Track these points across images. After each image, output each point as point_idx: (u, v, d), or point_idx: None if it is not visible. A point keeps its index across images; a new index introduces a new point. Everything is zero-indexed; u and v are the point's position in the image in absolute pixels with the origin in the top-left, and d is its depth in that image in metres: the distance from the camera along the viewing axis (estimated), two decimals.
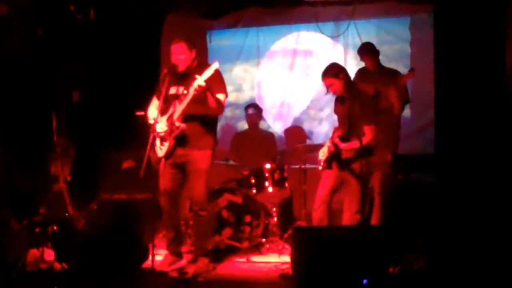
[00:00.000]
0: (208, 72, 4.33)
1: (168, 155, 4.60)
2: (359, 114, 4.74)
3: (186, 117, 4.51)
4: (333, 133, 4.98)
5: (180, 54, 4.59)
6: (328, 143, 4.97)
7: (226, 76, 6.63)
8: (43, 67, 5.72)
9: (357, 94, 4.85)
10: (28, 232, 4.55)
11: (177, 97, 4.58)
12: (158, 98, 4.65)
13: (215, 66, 4.37)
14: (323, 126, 6.86)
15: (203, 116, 4.60)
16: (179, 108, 4.50)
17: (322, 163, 4.94)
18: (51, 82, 5.85)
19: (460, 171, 3.70)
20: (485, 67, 3.67)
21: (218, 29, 7.26)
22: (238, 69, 7.12)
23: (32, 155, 5.46)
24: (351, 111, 4.79)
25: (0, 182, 5.15)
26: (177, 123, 4.50)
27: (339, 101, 5.02)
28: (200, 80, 4.29)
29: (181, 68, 4.60)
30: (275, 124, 7.12)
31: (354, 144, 4.70)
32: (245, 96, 7.13)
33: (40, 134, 5.46)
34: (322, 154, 4.97)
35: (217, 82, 4.54)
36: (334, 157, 4.89)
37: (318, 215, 4.87)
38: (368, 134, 4.76)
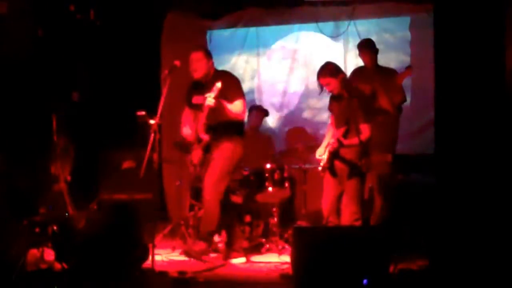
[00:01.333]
0: (215, 90, 4.59)
1: (202, 162, 4.87)
2: (356, 112, 4.76)
3: (209, 127, 4.80)
4: (334, 131, 4.99)
5: (198, 62, 4.88)
6: (326, 144, 4.97)
7: (226, 67, 6.72)
8: (43, 67, 5.72)
9: (354, 92, 4.87)
10: (28, 232, 4.55)
11: (199, 107, 4.85)
12: (190, 107, 5.00)
13: (218, 85, 4.61)
14: (322, 115, 6.86)
15: (224, 122, 4.83)
16: (200, 121, 4.79)
17: (321, 164, 4.95)
18: (51, 82, 5.84)
19: (460, 171, 3.69)
20: (485, 67, 3.67)
21: (218, 29, 7.26)
22: (238, 60, 7.17)
23: (32, 155, 5.46)
24: (348, 109, 4.81)
25: (0, 182, 5.14)
26: (201, 135, 4.81)
27: (336, 100, 5.03)
28: (209, 99, 4.58)
29: (197, 75, 4.90)
30: (275, 114, 7.15)
31: (354, 141, 4.72)
32: (245, 86, 7.16)
33: (40, 134, 5.46)
34: (319, 154, 4.98)
35: (233, 89, 4.85)
36: (334, 157, 4.89)
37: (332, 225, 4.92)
38: (365, 132, 4.79)
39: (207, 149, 4.86)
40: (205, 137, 4.81)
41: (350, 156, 4.86)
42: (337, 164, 4.92)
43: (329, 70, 4.90)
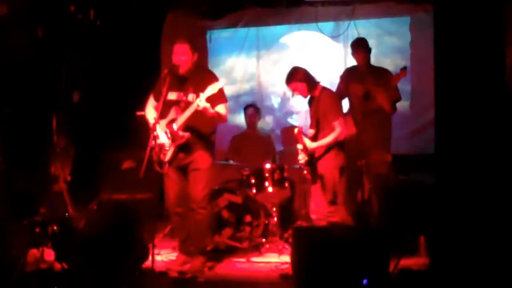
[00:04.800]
0: (213, 89, 4.35)
1: (172, 160, 4.61)
2: (323, 112, 4.79)
3: (188, 127, 4.53)
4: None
5: (182, 55, 4.57)
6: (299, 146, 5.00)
7: (225, 68, 6.71)
8: (43, 67, 5.72)
9: (320, 92, 4.89)
10: (28, 232, 4.55)
11: (177, 103, 4.60)
12: (156, 98, 4.69)
13: (219, 84, 4.38)
14: None
15: (205, 125, 4.63)
16: (181, 118, 4.50)
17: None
18: (51, 82, 5.85)
19: (460, 171, 3.70)
20: (485, 66, 3.67)
21: (218, 29, 7.27)
22: (238, 60, 7.18)
23: (32, 155, 5.46)
24: (316, 110, 4.86)
25: (0, 182, 5.14)
26: (180, 133, 4.51)
27: (309, 104, 5.10)
28: (202, 99, 4.31)
29: (182, 70, 4.58)
30: (274, 115, 7.16)
31: (323, 143, 4.80)
32: (245, 87, 7.17)
33: (40, 134, 5.46)
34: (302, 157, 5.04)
35: (217, 93, 4.49)
36: (310, 165, 4.95)
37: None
38: (338, 128, 4.81)
39: (182, 148, 4.58)
40: (186, 135, 4.51)
41: (326, 160, 4.91)
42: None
43: (294, 76, 4.94)
